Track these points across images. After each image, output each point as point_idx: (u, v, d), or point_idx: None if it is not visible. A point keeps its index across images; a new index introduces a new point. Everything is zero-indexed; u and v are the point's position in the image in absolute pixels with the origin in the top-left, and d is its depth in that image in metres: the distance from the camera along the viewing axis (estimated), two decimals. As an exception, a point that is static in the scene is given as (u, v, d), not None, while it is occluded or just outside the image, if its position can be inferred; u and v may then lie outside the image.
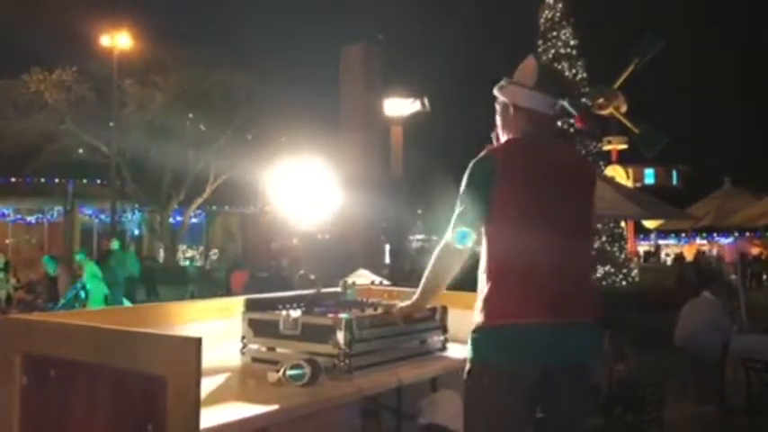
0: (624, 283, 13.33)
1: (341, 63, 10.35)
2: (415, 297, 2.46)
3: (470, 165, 2.24)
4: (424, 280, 2.40)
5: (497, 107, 2.42)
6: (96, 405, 1.73)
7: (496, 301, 2.14)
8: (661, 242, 28.55)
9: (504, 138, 2.39)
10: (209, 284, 17.20)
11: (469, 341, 2.20)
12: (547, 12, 14.44)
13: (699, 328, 6.21)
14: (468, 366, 2.20)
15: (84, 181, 23.21)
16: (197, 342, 1.53)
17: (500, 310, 2.13)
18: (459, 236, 2.22)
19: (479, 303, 2.19)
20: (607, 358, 5.30)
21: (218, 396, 2.06)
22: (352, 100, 9.94)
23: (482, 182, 2.19)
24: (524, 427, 2.17)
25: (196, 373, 1.52)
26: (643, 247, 26.91)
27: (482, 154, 2.26)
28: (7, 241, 22.48)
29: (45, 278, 12.82)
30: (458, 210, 2.23)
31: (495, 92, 2.40)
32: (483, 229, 2.22)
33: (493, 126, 2.46)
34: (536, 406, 2.19)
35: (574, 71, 14.09)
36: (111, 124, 19.25)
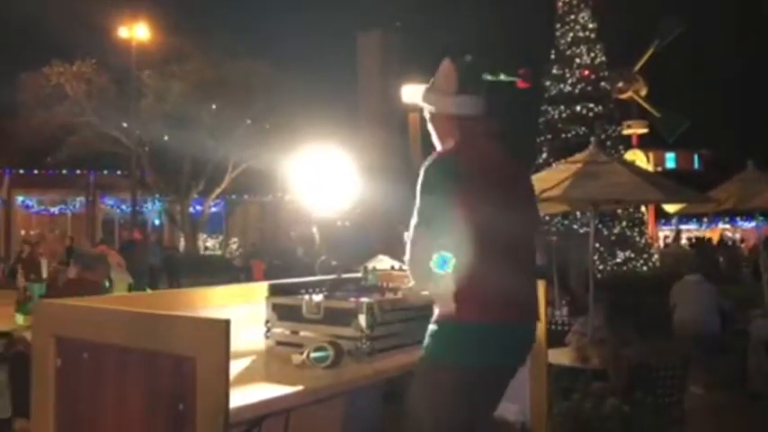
0: (645, 268, 13.26)
1: (358, 50, 10.33)
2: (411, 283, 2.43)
3: (428, 168, 2.18)
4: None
5: (426, 115, 2.37)
6: (128, 386, 1.79)
7: (463, 301, 2.11)
8: (683, 227, 28.27)
9: (440, 146, 2.33)
10: (229, 273, 17.37)
11: (432, 334, 2.17)
12: (565, -6, 14.29)
13: (700, 311, 6.17)
14: (426, 358, 2.17)
15: (105, 172, 23.55)
16: (225, 324, 1.58)
17: (466, 309, 2.11)
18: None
19: (444, 298, 2.13)
20: (611, 343, 5.27)
21: (244, 377, 2.12)
22: (369, 87, 9.94)
23: (448, 184, 2.14)
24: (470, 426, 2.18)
25: (225, 353, 1.57)
26: (664, 232, 26.65)
27: (438, 157, 2.21)
28: (32, 232, 22.89)
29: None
30: (426, 213, 2.16)
31: (420, 101, 2.35)
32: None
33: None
34: (481, 406, 2.21)
35: (592, 55, 13.93)
36: (130, 115, 19.44)
